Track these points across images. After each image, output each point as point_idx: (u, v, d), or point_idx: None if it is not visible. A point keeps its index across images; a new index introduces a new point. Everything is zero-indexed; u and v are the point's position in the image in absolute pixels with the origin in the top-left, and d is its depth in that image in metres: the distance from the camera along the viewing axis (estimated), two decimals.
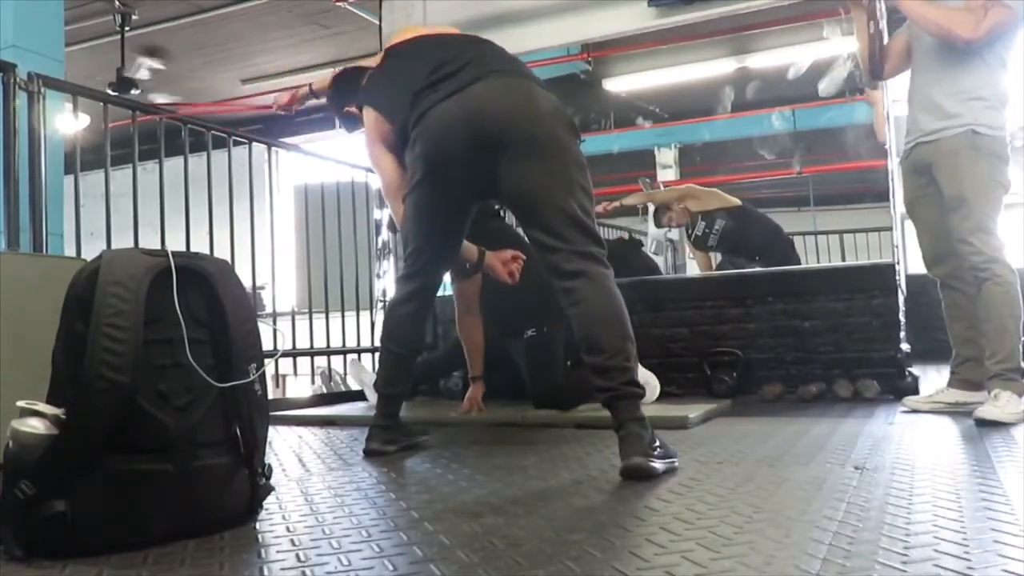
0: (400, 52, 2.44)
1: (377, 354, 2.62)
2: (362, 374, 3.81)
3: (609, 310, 1.96)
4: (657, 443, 1.88)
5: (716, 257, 5.58)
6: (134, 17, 6.56)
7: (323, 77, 2.72)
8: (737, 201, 5.33)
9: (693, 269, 5.77)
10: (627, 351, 1.95)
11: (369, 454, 2.30)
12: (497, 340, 3.62)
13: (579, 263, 1.97)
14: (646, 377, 2.95)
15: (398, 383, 2.41)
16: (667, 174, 6.95)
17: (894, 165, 3.77)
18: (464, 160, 2.10)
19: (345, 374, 4.85)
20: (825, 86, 5.47)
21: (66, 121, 3.01)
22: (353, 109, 2.56)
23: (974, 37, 2.69)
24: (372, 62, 2.54)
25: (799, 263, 5.37)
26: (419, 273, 2.32)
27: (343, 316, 4.31)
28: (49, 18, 3.34)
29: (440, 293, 4.46)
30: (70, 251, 2.94)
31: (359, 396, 3.93)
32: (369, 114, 2.42)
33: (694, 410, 2.84)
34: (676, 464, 1.90)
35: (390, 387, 2.39)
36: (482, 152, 2.05)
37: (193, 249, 2.95)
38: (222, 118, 7.79)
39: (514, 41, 4.17)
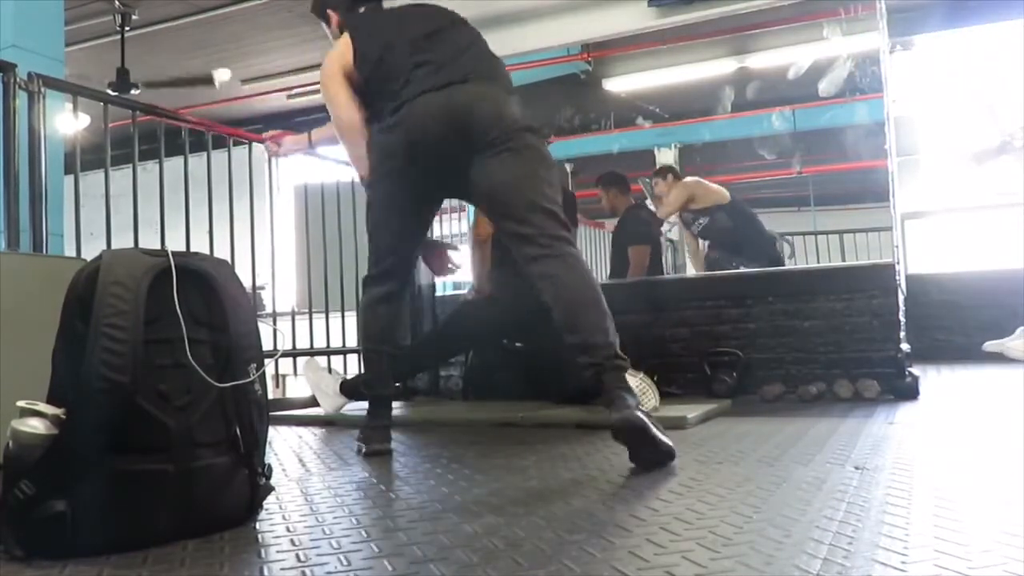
0: (394, 10, 2.51)
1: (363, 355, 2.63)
2: (321, 378, 3.50)
3: (584, 289, 2.07)
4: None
5: (703, 248, 5.63)
6: (134, 17, 6.56)
7: (324, 130, 2.80)
8: (726, 197, 5.36)
9: (692, 270, 5.79)
10: (606, 327, 2.02)
11: (371, 455, 2.30)
12: (507, 340, 3.67)
13: (550, 245, 2.10)
14: (642, 387, 2.96)
15: (389, 382, 2.46)
16: None
17: (894, 165, 3.78)
18: (444, 151, 2.21)
19: (344, 374, 4.84)
20: (825, 86, 5.48)
21: (66, 121, 3.00)
22: (333, 22, 2.62)
23: None
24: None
25: (782, 263, 5.39)
26: (394, 270, 2.37)
27: (343, 316, 4.30)
28: (49, 18, 3.33)
29: (439, 293, 4.51)
30: (70, 251, 2.93)
31: (359, 396, 3.91)
32: (343, 42, 2.44)
33: (694, 410, 2.85)
34: (671, 445, 1.90)
35: (382, 387, 2.42)
36: (462, 147, 2.19)
37: (193, 249, 2.95)
38: (223, 118, 7.79)
39: (514, 41, 4.18)
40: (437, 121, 2.20)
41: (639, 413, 1.88)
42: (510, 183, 2.16)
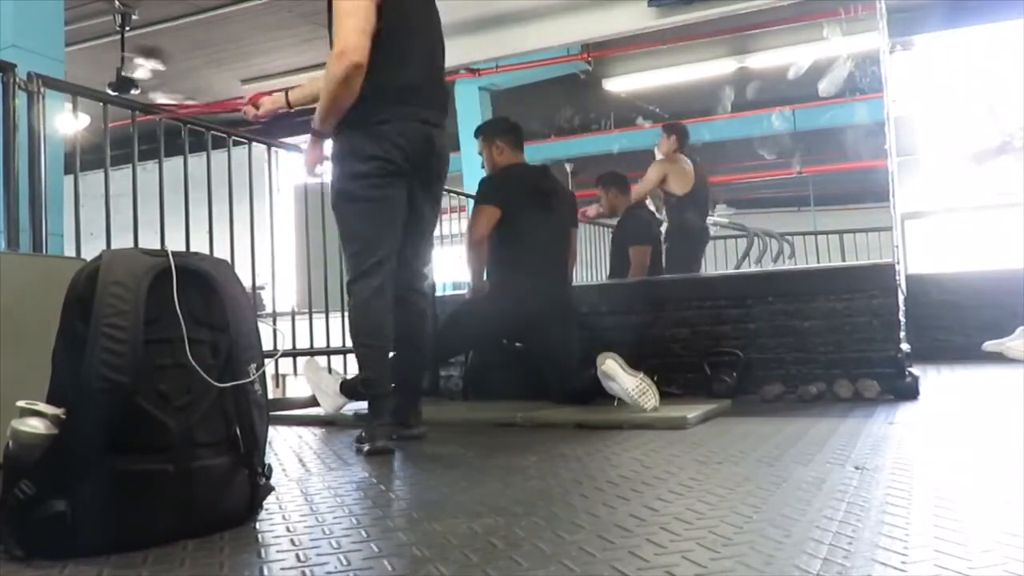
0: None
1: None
2: (321, 378, 3.50)
3: (427, 322, 2.74)
4: None
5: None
6: (134, 17, 6.55)
7: (306, 86, 2.80)
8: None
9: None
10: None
11: (375, 453, 2.30)
12: (507, 340, 3.70)
13: (422, 285, 2.67)
14: (642, 387, 2.96)
15: (388, 379, 2.48)
16: None
17: (894, 165, 3.78)
18: (419, 174, 2.52)
19: (344, 374, 4.84)
20: (825, 86, 5.48)
21: (66, 121, 3.00)
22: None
23: None
24: None
25: (699, 262, 5.32)
26: (383, 265, 2.46)
27: (343, 316, 4.30)
28: (49, 18, 3.32)
29: (439, 293, 4.52)
30: (70, 251, 2.93)
31: (359, 396, 3.91)
32: None
33: (694, 410, 2.84)
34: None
35: (386, 384, 2.45)
36: (422, 179, 2.54)
37: (193, 249, 2.95)
38: (223, 118, 7.78)
39: (514, 41, 4.19)
40: (419, 152, 2.49)
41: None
42: (425, 239, 2.67)
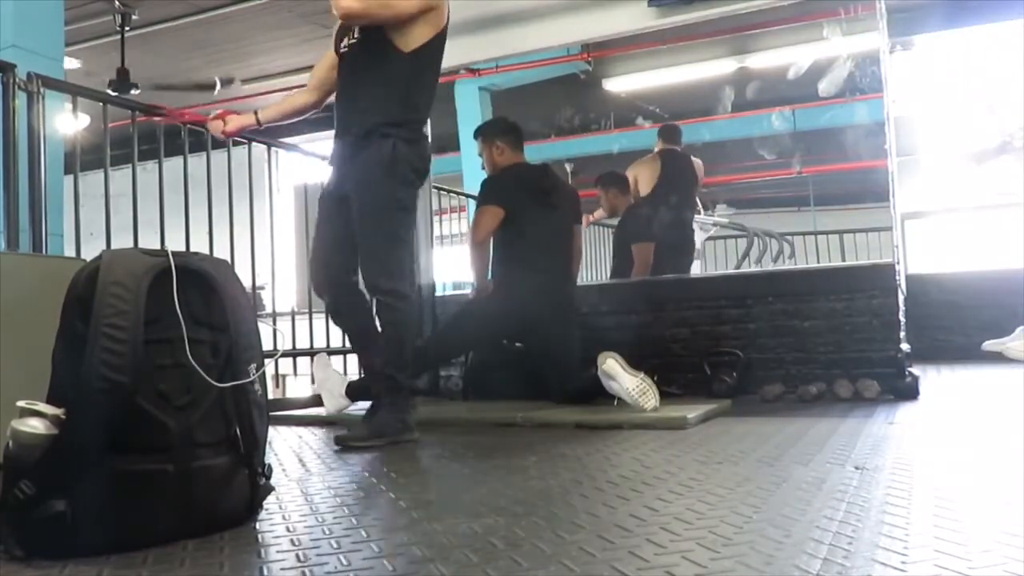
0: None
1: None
2: (329, 377, 3.49)
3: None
4: None
5: None
6: (134, 17, 6.55)
7: (275, 106, 3.02)
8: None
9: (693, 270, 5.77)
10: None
11: (415, 440, 2.53)
12: (507, 340, 3.71)
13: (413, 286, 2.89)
14: (642, 387, 2.97)
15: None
16: None
17: (894, 165, 3.78)
18: None
19: (345, 374, 4.84)
20: (825, 86, 5.48)
21: (66, 121, 3.00)
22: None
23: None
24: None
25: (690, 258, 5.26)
26: None
27: None
28: (49, 18, 3.32)
29: (439, 292, 4.52)
30: (70, 251, 2.93)
31: (364, 397, 3.90)
32: None
33: (694, 410, 2.84)
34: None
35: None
36: None
37: (193, 249, 2.95)
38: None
39: (514, 41, 4.19)
40: None
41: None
42: None
